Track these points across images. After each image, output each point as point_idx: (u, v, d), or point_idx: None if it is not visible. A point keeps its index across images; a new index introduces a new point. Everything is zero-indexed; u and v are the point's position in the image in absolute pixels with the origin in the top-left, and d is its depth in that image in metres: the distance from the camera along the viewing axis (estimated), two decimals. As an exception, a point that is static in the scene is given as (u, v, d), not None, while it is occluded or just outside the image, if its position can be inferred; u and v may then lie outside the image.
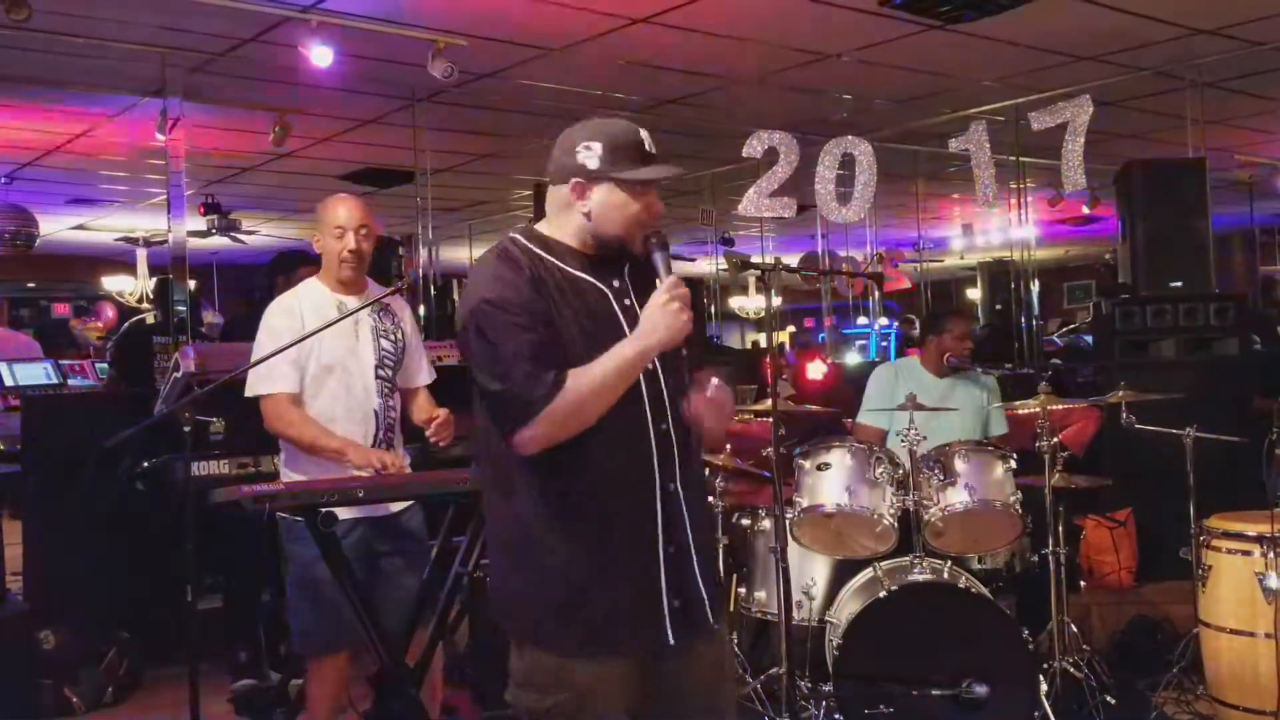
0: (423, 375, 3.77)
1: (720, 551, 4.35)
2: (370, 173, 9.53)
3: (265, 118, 7.37)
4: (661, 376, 2.33)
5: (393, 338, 3.64)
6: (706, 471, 2.44)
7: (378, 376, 3.57)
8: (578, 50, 6.47)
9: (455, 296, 11.91)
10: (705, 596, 2.34)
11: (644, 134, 2.38)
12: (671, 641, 2.28)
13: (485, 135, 8.65)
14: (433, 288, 8.73)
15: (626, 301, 2.34)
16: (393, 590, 3.53)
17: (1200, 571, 3.81)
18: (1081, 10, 5.99)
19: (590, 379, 2.22)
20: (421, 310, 8.37)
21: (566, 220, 2.36)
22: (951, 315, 5.20)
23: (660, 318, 2.25)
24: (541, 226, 2.41)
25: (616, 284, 2.36)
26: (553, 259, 2.33)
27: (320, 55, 5.80)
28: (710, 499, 2.42)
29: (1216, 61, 7.02)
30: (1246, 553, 3.63)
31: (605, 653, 2.26)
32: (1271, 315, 9.42)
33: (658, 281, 2.29)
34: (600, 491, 2.28)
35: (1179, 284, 5.71)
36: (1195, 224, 5.79)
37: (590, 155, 2.32)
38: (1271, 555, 3.57)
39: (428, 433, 3.55)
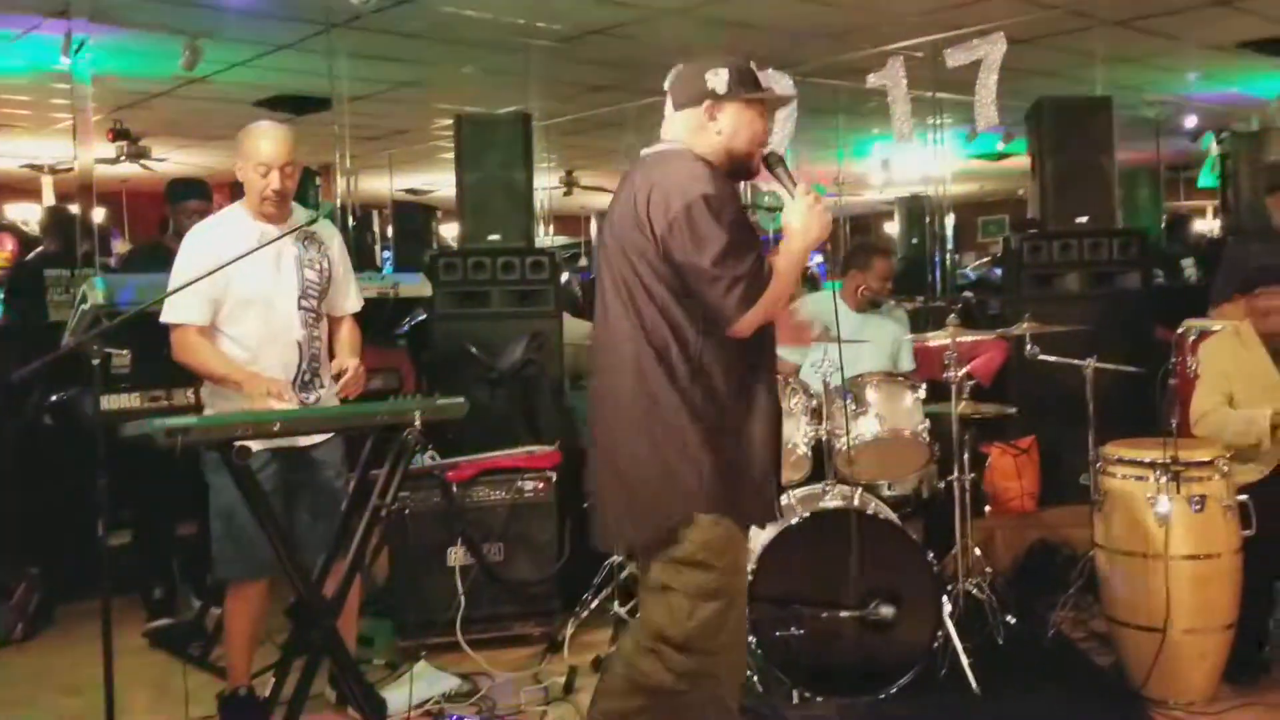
0: (349, 303, 3.75)
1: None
2: (286, 99, 9.28)
3: (176, 41, 7.15)
4: None
5: (317, 267, 3.60)
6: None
7: (300, 307, 3.54)
8: (498, -23, 6.37)
9: (375, 228, 11.77)
10: None
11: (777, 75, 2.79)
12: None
13: (405, 63, 8.48)
14: (351, 218, 8.61)
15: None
16: (311, 522, 3.55)
17: (1097, 496, 3.96)
18: (998, -53, 6.05)
19: (782, 275, 2.60)
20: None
21: (702, 140, 2.68)
22: (877, 254, 5.24)
23: (813, 218, 2.64)
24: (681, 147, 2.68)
25: None
26: (720, 177, 2.64)
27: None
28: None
29: (1125, 1, 7.13)
30: (1140, 478, 3.78)
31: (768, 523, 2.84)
32: (1176, 250, 9.70)
33: (786, 190, 2.67)
34: (773, 386, 2.71)
35: (1084, 219, 5.85)
36: (1101, 160, 5.91)
37: (719, 80, 2.65)
38: (1163, 480, 3.73)
39: (335, 390, 3.53)
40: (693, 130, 2.69)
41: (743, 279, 2.51)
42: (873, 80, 5.89)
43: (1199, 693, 3.75)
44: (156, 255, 5.02)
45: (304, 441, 3.54)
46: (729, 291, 2.51)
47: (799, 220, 2.65)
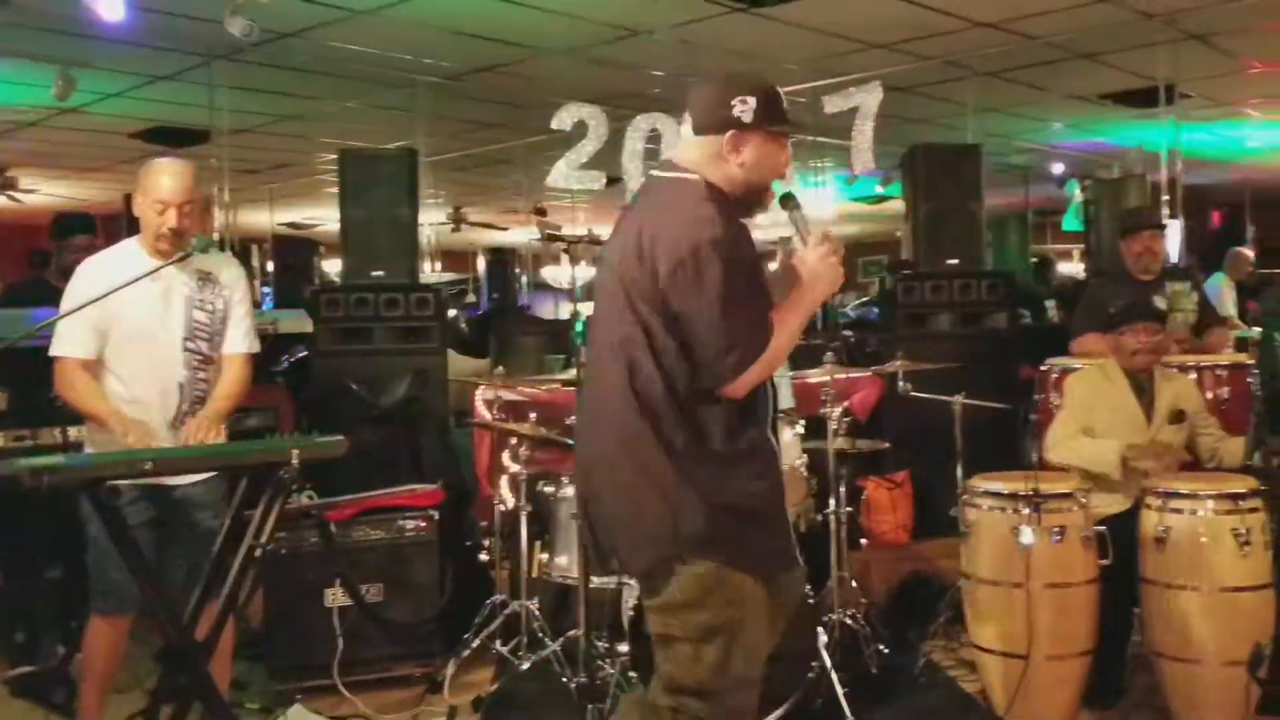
0: (236, 344, 3.63)
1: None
2: (163, 131, 9.11)
3: (47, 70, 6.97)
4: None
5: (210, 309, 3.54)
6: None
7: (185, 349, 3.48)
8: (385, 14, 6.36)
9: (255, 262, 11.57)
10: None
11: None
12: (800, 563, 2.61)
13: (288, 96, 8.40)
14: (230, 252, 8.45)
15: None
16: (184, 563, 3.48)
17: (964, 528, 4.10)
18: (874, 0, 6.29)
19: (787, 329, 2.49)
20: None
21: (720, 171, 2.54)
22: None
23: (824, 269, 2.54)
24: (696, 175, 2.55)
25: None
26: (729, 219, 2.50)
27: (110, 7, 5.52)
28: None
29: (994, 54, 7.47)
30: (1004, 509, 3.93)
31: (780, 570, 2.54)
32: (1041, 291, 10.11)
33: (797, 240, 2.58)
34: (767, 434, 2.56)
35: (955, 261, 6.09)
36: (971, 205, 6.17)
37: (746, 110, 2.50)
38: (1026, 511, 3.88)
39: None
40: (711, 159, 2.54)
41: (741, 342, 2.40)
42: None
43: (1060, 717, 3.89)
44: (39, 291, 4.88)
45: (178, 481, 3.47)
46: (726, 354, 2.39)
47: (810, 271, 2.55)
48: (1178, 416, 4.28)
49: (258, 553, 2.97)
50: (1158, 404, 4.30)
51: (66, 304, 3.37)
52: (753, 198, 2.59)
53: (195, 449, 3.30)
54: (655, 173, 2.68)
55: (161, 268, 3.39)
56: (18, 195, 10.12)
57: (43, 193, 11.56)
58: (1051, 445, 4.33)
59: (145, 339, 3.42)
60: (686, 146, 2.61)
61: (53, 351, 3.37)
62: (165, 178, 3.41)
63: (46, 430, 4.19)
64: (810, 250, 2.55)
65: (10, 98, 7.93)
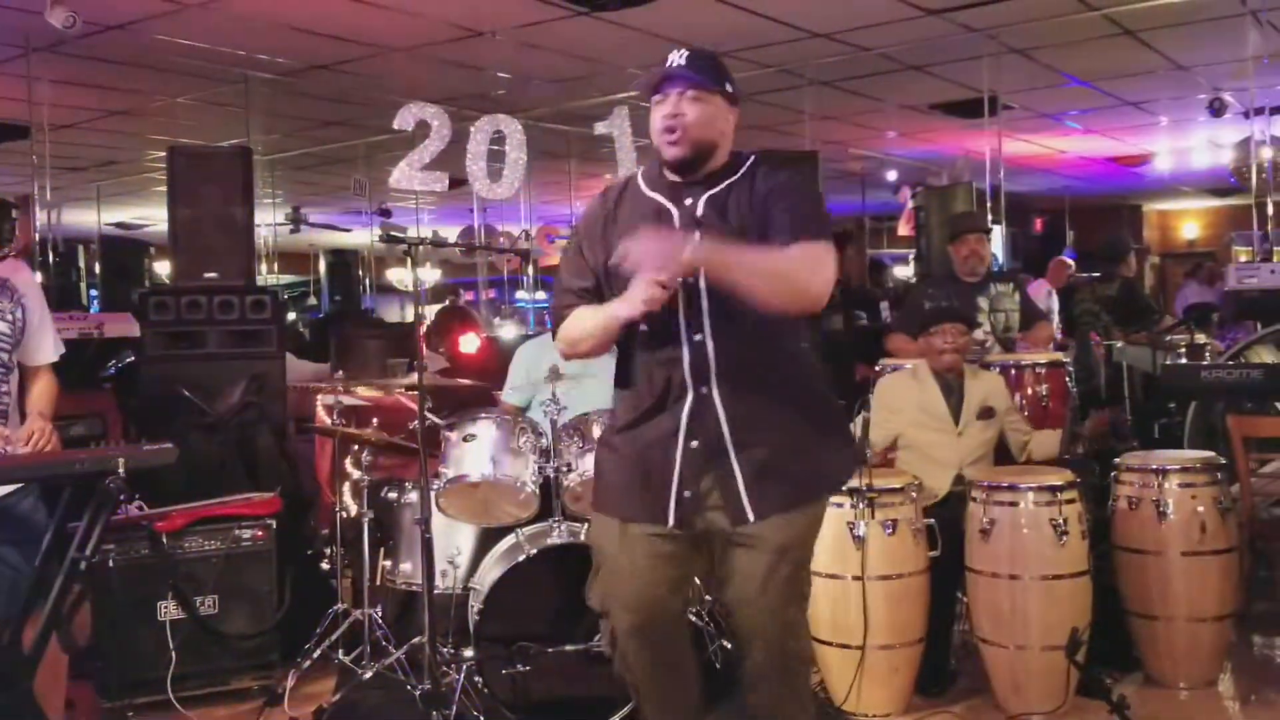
0: (43, 353, 3.48)
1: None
2: (-23, 125, 8.63)
3: None
4: (705, 293, 2.62)
5: (10, 318, 3.36)
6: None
7: None
8: (214, 7, 6.17)
9: (80, 264, 11.05)
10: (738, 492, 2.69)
11: (674, 53, 2.66)
12: (670, 524, 2.69)
13: (114, 90, 8.06)
14: (53, 254, 8.06)
15: (692, 222, 2.64)
16: (3, 579, 3.30)
17: (803, 524, 4.21)
18: (713, 8, 6.41)
19: (578, 322, 2.78)
20: (39, 277, 7.70)
21: None
22: None
23: (634, 289, 2.55)
24: None
25: (689, 203, 2.66)
26: (641, 180, 2.76)
27: (-88, -7, 5.22)
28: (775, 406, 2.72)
29: (830, 63, 7.71)
30: (839, 504, 4.05)
31: (626, 519, 2.76)
32: (875, 294, 10.46)
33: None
34: (641, 419, 2.75)
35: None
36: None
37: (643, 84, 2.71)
38: (861, 506, 4.02)
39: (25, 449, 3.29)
40: None
41: (552, 306, 2.76)
42: (600, 128, 6.09)
43: (894, 705, 4.05)
44: None
45: (-4, 493, 3.30)
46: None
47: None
48: (986, 413, 4.49)
49: (83, 565, 2.85)
50: (967, 402, 4.50)
51: None
52: (681, 169, 2.71)
53: (13, 458, 3.13)
54: None
55: None
56: None
57: None
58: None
59: None
60: None
61: None
62: None
63: None
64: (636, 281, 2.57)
65: None
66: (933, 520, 4.12)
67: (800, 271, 2.54)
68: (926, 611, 4.08)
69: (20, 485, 3.33)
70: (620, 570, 2.80)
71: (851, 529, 4.00)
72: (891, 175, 12.06)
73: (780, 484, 2.71)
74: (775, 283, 2.52)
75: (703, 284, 2.63)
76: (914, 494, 4.12)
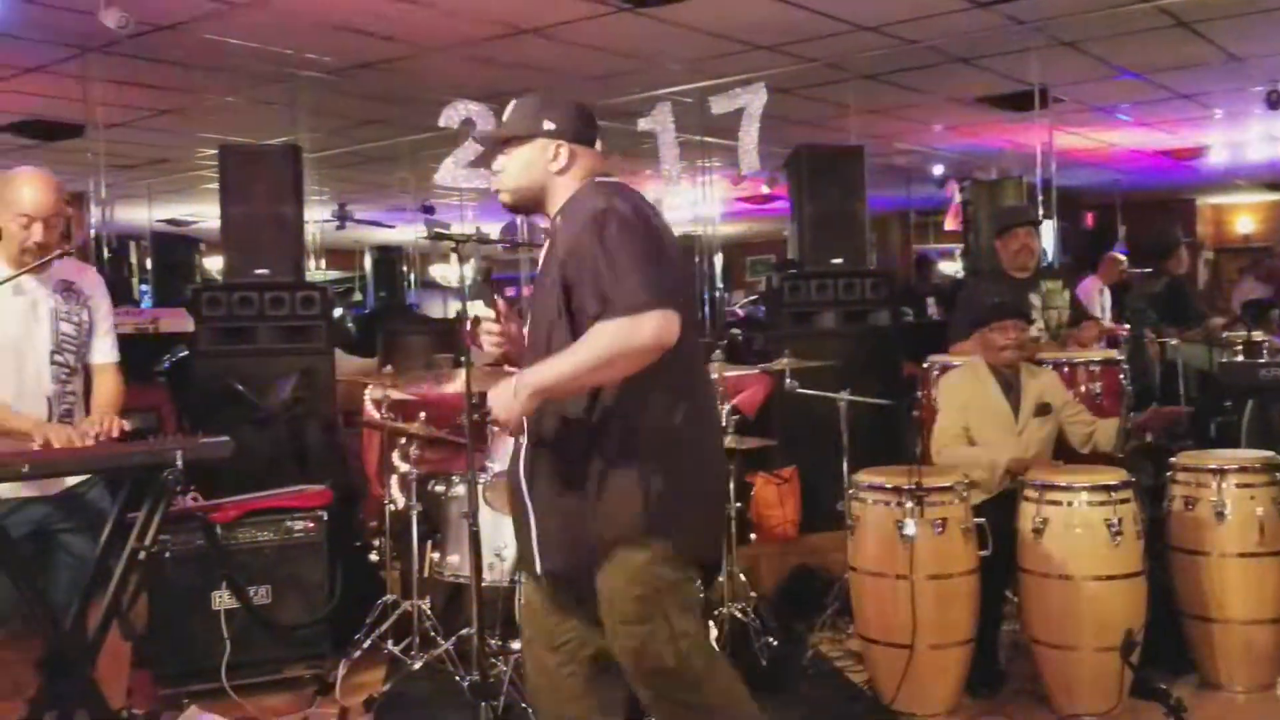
0: (106, 354, 3.54)
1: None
2: (36, 124, 8.77)
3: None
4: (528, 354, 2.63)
5: (75, 320, 3.44)
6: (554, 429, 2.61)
7: (53, 362, 3.38)
8: (263, 7, 6.23)
9: (132, 260, 11.22)
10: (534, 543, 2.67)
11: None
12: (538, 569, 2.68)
13: (165, 90, 8.16)
14: (106, 249, 8.19)
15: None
16: (70, 568, 3.37)
17: (850, 522, 4.20)
18: (756, 1, 6.38)
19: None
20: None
21: None
22: None
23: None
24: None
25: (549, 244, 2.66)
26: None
27: (-24, -5, 5.32)
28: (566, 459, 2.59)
29: (875, 57, 7.65)
30: (888, 503, 4.04)
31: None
32: (922, 290, 10.41)
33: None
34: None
35: (839, 260, 6.23)
36: (854, 206, 6.32)
37: None
38: (909, 505, 4.00)
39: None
40: None
41: None
42: (643, 124, 6.10)
43: (943, 704, 4.02)
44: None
45: (59, 486, 3.37)
46: None
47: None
48: (1043, 409, 4.45)
49: (141, 555, 2.90)
50: (1024, 399, 4.46)
51: None
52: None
53: (77, 451, 3.19)
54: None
55: (18, 275, 3.27)
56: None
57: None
58: (936, 450, 4.45)
59: (13, 353, 3.33)
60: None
61: None
62: (29, 190, 3.27)
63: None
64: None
65: None
66: (983, 519, 4.09)
67: (614, 351, 2.41)
68: (976, 611, 4.05)
69: (84, 478, 3.41)
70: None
71: (900, 528, 3.97)
72: (938, 169, 11.95)
73: (558, 537, 2.63)
74: (600, 374, 2.47)
75: (529, 340, 2.68)
76: (964, 493, 4.09)
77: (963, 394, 4.52)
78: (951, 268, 13.64)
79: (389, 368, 5.23)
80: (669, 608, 2.55)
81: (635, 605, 2.54)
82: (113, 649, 3.27)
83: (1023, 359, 4.52)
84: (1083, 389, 4.85)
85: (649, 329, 2.38)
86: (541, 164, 2.66)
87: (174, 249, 10.91)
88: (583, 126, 2.69)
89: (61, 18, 6.15)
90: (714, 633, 4.07)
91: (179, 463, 2.89)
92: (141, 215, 12.64)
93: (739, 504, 4.60)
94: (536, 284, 2.67)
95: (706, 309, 9.71)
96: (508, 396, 2.47)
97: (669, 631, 2.55)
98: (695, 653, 2.61)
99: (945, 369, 4.92)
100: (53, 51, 6.93)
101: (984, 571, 4.06)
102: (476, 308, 2.50)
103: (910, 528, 3.96)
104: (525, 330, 2.72)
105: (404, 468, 4.59)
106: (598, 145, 2.74)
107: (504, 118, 2.69)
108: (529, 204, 2.72)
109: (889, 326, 6.24)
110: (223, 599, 4.22)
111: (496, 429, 2.47)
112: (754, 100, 5.65)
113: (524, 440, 2.65)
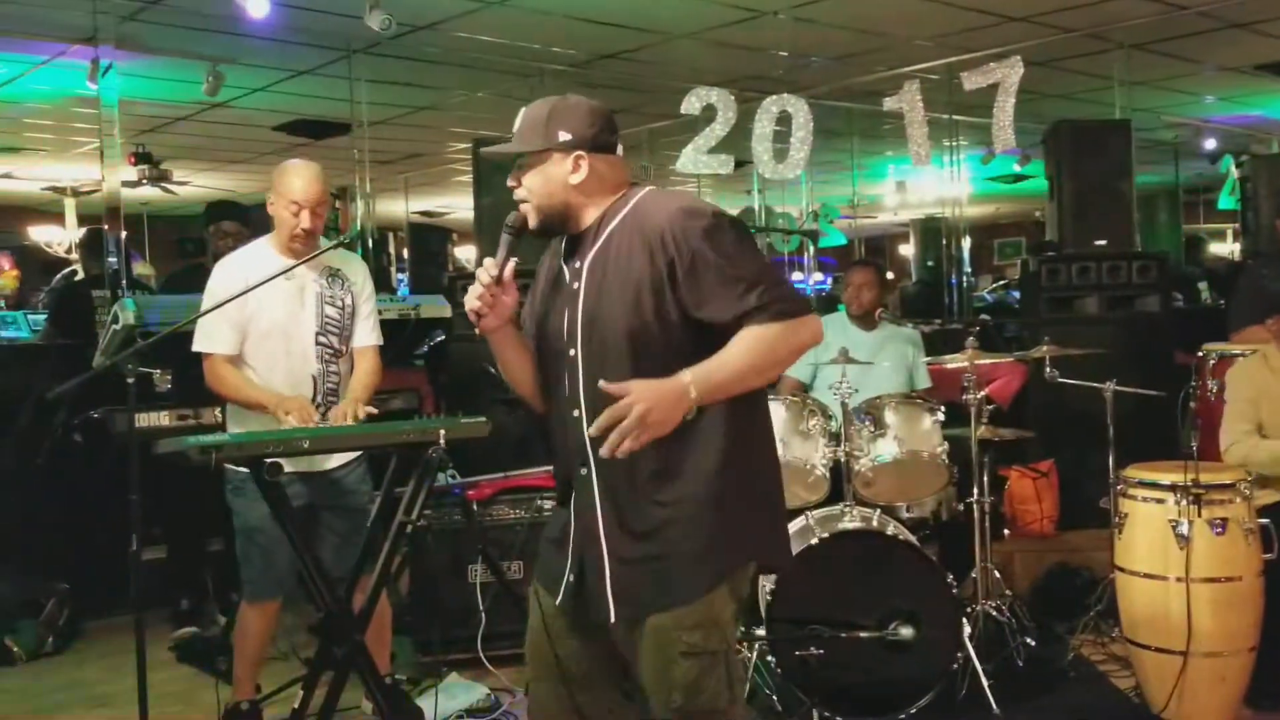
0: (366, 337, 3.73)
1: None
2: (305, 124, 9.40)
3: (199, 67, 7.26)
4: (582, 366, 2.35)
5: (339, 304, 3.65)
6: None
7: (318, 343, 3.60)
8: (512, 4, 6.44)
9: (390, 250, 11.84)
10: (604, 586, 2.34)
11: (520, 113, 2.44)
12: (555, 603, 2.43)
13: (422, 88, 8.58)
14: (370, 240, 8.68)
15: (576, 280, 2.38)
16: (335, 542, 3.59)
17: (1117, 519, 3.95)
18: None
19: None
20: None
21: None
22: (851, 266, 5.36)
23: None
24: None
25: (576, 265, 2.40)
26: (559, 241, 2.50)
27: (256, 4, 5.73)
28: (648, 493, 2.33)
29: (1142, 24, 7.17)
30: (1161, 501, 3.77)
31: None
32: (1193, 273, 9.69)
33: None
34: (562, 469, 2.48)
35: (1103, 242, 5.87)
36: (1120, 184, 5.93)
37: None
38: (1184, 503, 3.72)
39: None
40: None
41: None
42: (889, 103, 5.93)
43: (1220, 716, 3.73)
44: (196, 276, 5.09)
45: (327, 464, 3.59)
46: None
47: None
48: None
49: (409, 529, 3.04)
50: (1322, 390, 4.07)
51: (206, 303, 3.50)
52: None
53: (349, 427, 3.39)
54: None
55: (295, 266, 3.49)
56: (171, 187, 10.54)
57: (193, 184, 12.06)
58: (1226, 447, 4.13)
59: (281, 335, 3.55)
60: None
61: (197, 347, 3.52)
62: (299, 180, 3.51)
63: (207, 409, 4.38)
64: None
65: (165, 94, 8.27)
66: (1268, 520, 3.76)
67: (781, 353, 2.30)
68: (1260, 618, 3.73)
69: (351, 459, 3.62)
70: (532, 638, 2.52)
71: (1174, 527, 3.71)
72: (1210, 143, 11.11)
73: (642, 585, 2.33)
74: (762, 377, 2.33)
75: (579, 352, 2.36)
76: (1246, 491, 3.77)
77: (1254, 385, 4.17)
78: (1226, 249, 12.68)
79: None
80: (730, 641, 2.40)
81: (700, 635, 2.32)
82: (379, 616, 3.47)
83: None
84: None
85: (808, 332, 2.31)
86: (561, 179, 2.37)
87: (428, 239, 11.44)
88: (600, 133, 2.40)
89: (329, 21, 6.55)
90: (967, 630, 3.92)
91: (442, 441, 3.01)
92: (398, 208, 13.35)
93: (992, 498, 4.41)
94: (587, 293, 2.36)
95: (954, 294, 9.39)
96: (675, 395, 2.17)
97: (725, 667, 2.37)
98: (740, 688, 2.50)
99: (1224, 358, 4.56)
100: (321, 55, 7.39)
101: (1271, 576, 3.74)
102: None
103: (1185, 527, 3.70)
104: (534, 325, 2.50)
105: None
106: (619, 151, 2.47)
107: (514, 130, 2.41)
108: (556, 224, 2.42)
109: (1159, 313, 5.83)
110: (478, 573, 4.39)
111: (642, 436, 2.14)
112: (1010, 74, 5.39)
113: (585, 470, 2.36)
